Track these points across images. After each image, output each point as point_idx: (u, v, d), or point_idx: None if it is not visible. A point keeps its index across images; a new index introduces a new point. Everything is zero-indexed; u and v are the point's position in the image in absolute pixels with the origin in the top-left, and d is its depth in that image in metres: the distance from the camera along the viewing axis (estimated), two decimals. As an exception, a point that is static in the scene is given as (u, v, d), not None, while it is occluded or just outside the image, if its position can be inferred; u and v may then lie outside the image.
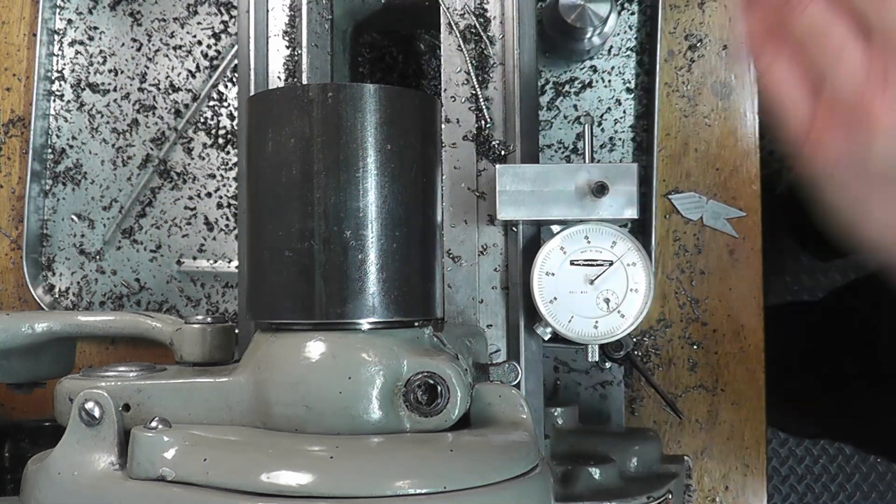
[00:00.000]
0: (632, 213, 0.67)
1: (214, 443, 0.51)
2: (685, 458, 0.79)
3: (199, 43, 0.95)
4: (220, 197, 0.94)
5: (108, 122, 0.96)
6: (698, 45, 0.92)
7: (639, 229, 0.90)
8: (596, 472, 0.71)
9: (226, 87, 0.95)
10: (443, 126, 0.72)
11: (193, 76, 0.95)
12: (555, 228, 0.69)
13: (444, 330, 0.60)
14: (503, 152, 0.72)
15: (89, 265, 0.95)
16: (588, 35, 0.86)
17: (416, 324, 0.57)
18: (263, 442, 0.51)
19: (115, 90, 0.96)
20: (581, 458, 0.74)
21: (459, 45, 0.73)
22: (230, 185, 0.94)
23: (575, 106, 0.92)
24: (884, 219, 0.51)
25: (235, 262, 0.93)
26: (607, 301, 0.68)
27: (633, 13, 0.92)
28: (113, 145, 0.96)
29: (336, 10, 0.80)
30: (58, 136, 0.96)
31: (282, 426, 0.53)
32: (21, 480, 0.55)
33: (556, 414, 0.79)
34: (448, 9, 0.73)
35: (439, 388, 0.52)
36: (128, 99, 0.96)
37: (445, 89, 0.73)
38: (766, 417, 0.88)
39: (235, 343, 0.68)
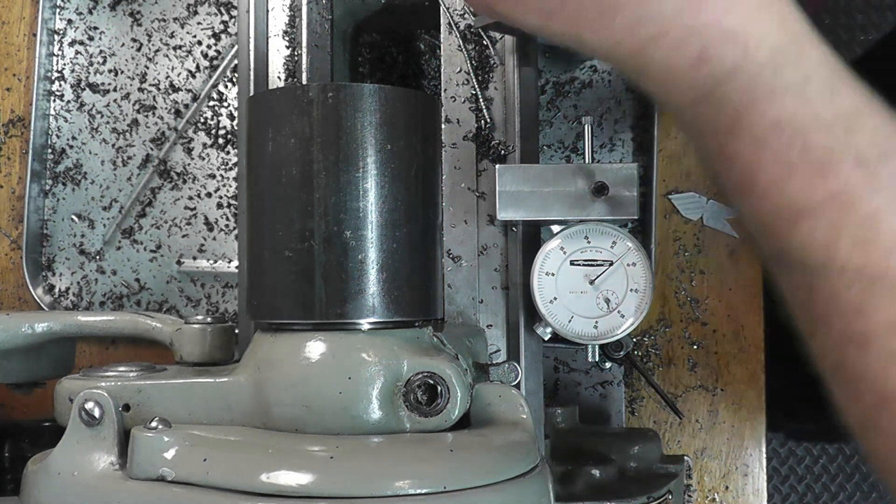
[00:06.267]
0: (632, 213, 0.67)
1: (214, 443, 0.51)
2: (685, 458, 0.79)
3: (199, 43, 0.95)
4: (220, 197, 0.94)
5: (108, 122, 0.96)
6: (698, 45, 0.92)
7: (639, 229, 0.90)
8: (596, 472, 0.71)
9: (226, 87, 0.95)
10: (443, 126, 0.72)
11: (193, 76, 0.95)
12: (555, 228, 0.69)
13: (444, 330, 0.60)
14: (503, 152, 0.72)
15: (89, 265, 0.95)
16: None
17: (416, 324, 0.57)
18: (263, 442, 0.51)
19: (115, 90, 0.96)
20: (581, 458, 0.74)
21: (459, 45, 0.73)
22: (230, 185, 0.94)
23: (575, 106, 0.92)
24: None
25: (235, 262, 0.93)
26: (607, 301, 0.68)
27: (633, 13, 0.92)
28: (113, 145, 0.95)
29: (336, 10, 0.80)
30: (58, 136, 0.96)
31: (282, 426, 0.53)
32: (21, 480, 0.55)
33: (556, 414, 0.79)
34: (448, 9, 0.73)
35: (439, 388, 0.52)
36: (128, 99, 0.96)
37: (445, 89, 0.73)
38: (767, 422, 0.87)
39: (235, 343, 0.68)
